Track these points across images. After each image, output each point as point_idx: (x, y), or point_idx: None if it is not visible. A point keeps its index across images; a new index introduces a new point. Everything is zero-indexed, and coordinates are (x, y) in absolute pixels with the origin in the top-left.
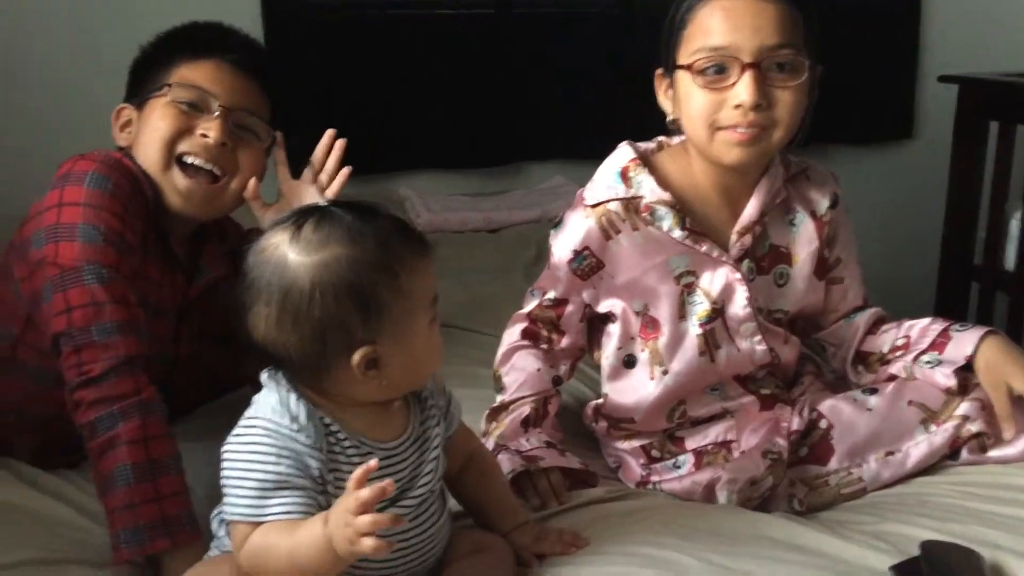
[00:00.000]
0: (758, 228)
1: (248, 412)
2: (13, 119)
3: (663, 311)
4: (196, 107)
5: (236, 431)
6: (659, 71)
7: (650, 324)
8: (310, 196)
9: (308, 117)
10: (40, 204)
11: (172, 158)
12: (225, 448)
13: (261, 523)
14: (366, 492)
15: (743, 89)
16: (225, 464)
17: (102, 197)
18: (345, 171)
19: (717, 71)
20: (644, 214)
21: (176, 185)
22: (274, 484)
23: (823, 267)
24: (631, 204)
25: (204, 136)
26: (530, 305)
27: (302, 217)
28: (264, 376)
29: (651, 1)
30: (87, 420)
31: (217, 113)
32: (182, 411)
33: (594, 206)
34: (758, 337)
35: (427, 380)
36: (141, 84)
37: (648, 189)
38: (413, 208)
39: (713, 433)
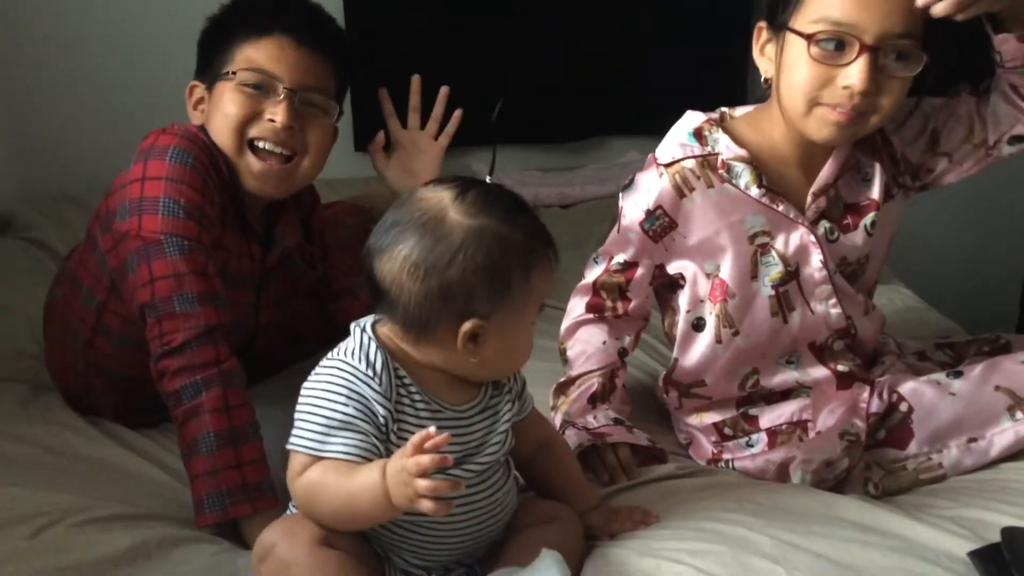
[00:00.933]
0: (832, 191)
1: (330, 353)
2: (100, 90)
3: (734, 272)
4: (262, 89)
5: (315, 370)
6: (762, 24)
7: (719, 286)
8: (425, 143)
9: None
10: (124, 176)
11: (244, 143)
12: (304, 385)
13: (320, 458)
14: (427, 459)
15: (856, 72)
16: (300, 399)
17: (183, 171)
18: (457, 113)
19: (836, 47)
20: (721, 171)
21: (251, 168)
22: (339, 423)
23: (893, 194)
24: (707, 161)
25: (272, 120)
26: (595, 273)
27: (468, 184)
28: (352, 325)
29: None
30: (172, 389)
31: (282, 96)
32: (264, 375)
33: (668, 165)
34: (833, 300)
35: (509, 374)
36: (209, 60)
37: (724, 146)
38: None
39: (788, 411)
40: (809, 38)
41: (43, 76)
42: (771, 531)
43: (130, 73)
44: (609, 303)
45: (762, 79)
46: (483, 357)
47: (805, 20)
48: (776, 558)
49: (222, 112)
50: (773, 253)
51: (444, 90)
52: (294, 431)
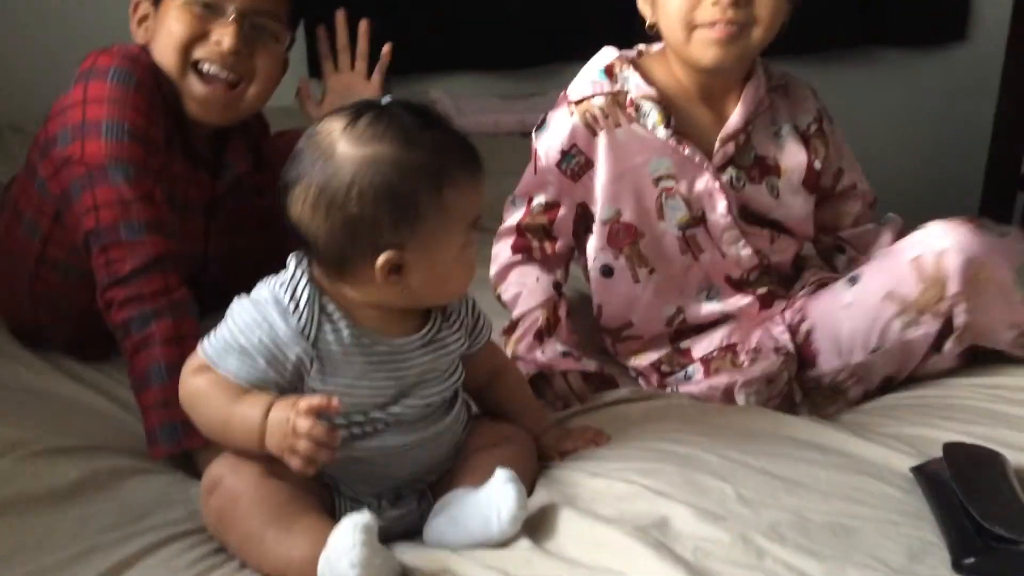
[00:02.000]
0: (742, 136)
1: (266, 278)
2: (40, 14)
3: (640, 214)
4: (212, 9)
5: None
6: None
7: (623, 231)
8: (358, 85)
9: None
10: (64, 100)
11: (188, 64)
12: (236, 297)
13: (212, 371)
14: (319, 429)
15: None
16: (229, 308)
17: (126, 92)
18: (386, 49)
19: None
20: (629, 109)
21: (193, 92)
22: (239, 347)
23: (812, 180)
24: (616, 99)
25: (218, 43)
26: (515, 216)
27: (362, 110)
28: (291, 255)
29: None
30: (120, 320)
31: (232, 17)
32: (216, 306)
33: (578, 102)
34: (742, 242)
35: (451, 299)
36: None
37: (634, 84)
38: (445, 111)
39: (717, 338)
40: None
41: None
42: (719, 450)
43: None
44: (536, 243)
45: (647, 25)
46: (410, 287)
47: None
48: (724, 476)
49: (167, 30)
50: (678, 197)
51: (364, 24)
52: (210, 333)
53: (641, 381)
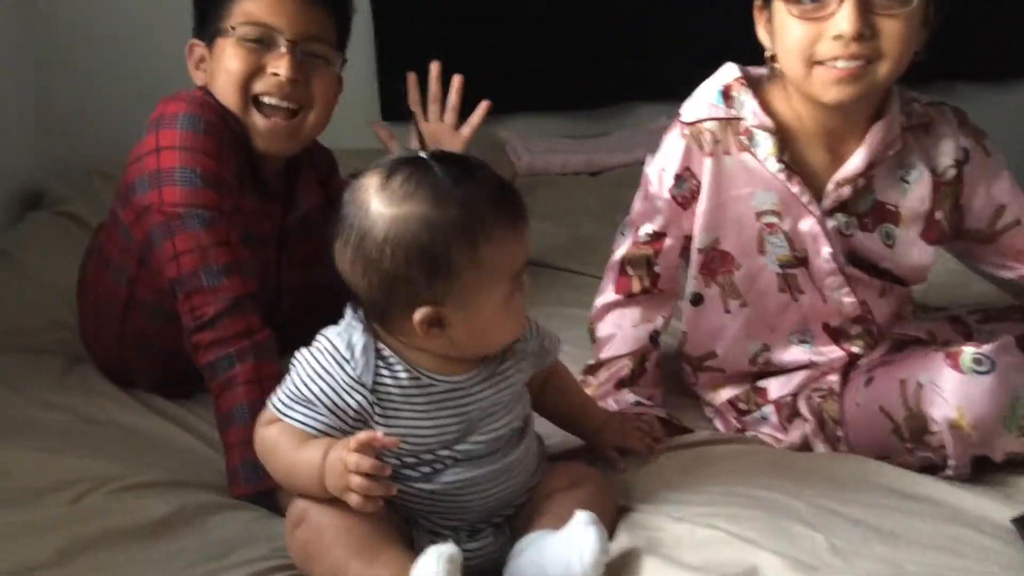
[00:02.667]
0: (861, 181)
1: (325, 329)
2: (132, 64)
3: (738, 245)
4: (263, 43)
5: (312, 342)
6: (757, 2)
7: (718, 259)
8: (446, 137)
9: (407, 56)
10: (139, 148)
11: (248, 100)
12: (298, 350)
13: (281, 420)
14: (367, 463)
15: (843, 18)
16: (291, 361)
17: (195, 138)
18: (484, 105)
19: None
20: (742, 137)
21: (257, 126)
22: (303, 398)
23: (933, 233)
24: (730, 125)
25: (275, 74)
26: (622, 248)
27: (396, 166)
28: (349, 303)
29: None
30: (206, 362)
31: (284, 48)
32: (292, 341)
33: (691, 124)
34: (845, 290)
35: (498, 348)
36: (206, 17)
37: (750, 111)
38: (514, 151)
39: (795, 382)
40: None
41: (76, 50)
42: (807, 497)
43: (157, 45)
44: (637, 280)
45: (766, 55)
46: (453, 339)
47: None
48: (814, 524)
49: (224, 69)
50: (780, 234)
51: (457, 80)
52: (278, 387)
53: (717, 422)
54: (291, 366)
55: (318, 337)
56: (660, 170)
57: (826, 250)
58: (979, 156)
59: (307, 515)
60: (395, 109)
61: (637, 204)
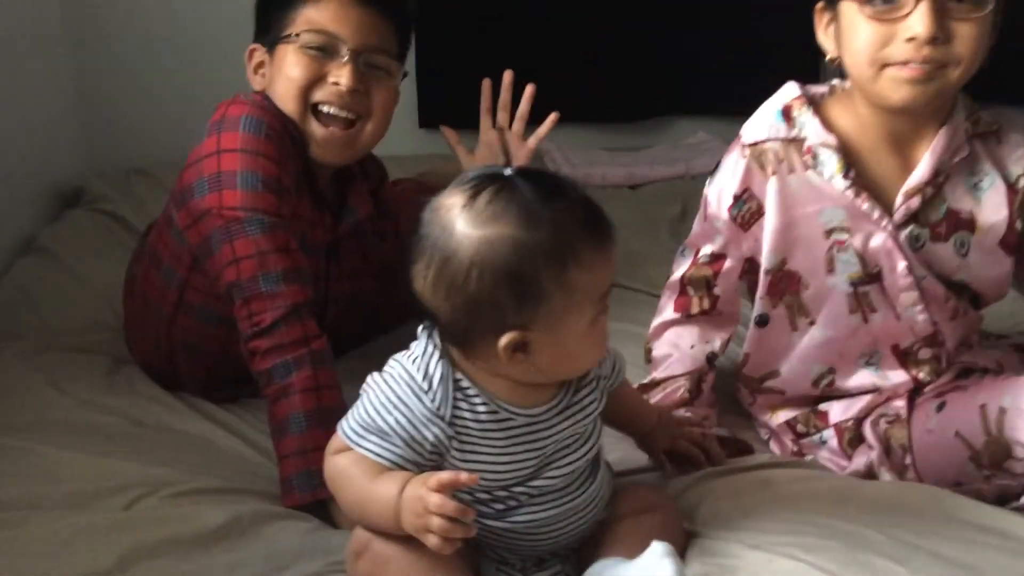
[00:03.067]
0: (930, 190)
1: (398, 354)
2: (170, 63)
3: (807, 264)
4: (325, 51)
5: (385, 366)
6: (819, 4)
7: (785, 279)
8: (515, 145)
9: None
10: (199, 150)
11: (307, 107)
12: (371, 374)
13: (352, 449)
14: (451, 506)
15: (918, 20)
16: (363, 385)
17: (257, 142)
18: (552, 117)
19: (886, 0)
20: (806, 156)
21: (314, 134)
22: (377, 428)
23: (1012, 240)
24: (792, 145)
25: (336, 84)
26: (682, 267)
27: (481, 184)
28: (420, 328)
29: None
30: (263, 368)
31: (346, 58)
32: (338, 350)
33: (752, 145)
34: (920, 307)
35: (581, 372)
36: (268, 23)
37: (812, 130)
38: (553, 162)
39: (857, 407)
40: None
41: (117, 50)
42: (884, 528)
43: (200, 46)
44: (696, 300)
45: (828, 59)
46: (537, 364)
47: None
48: (898, 558)
49: (285, 76)
50: (851, 251)
51: (530, 88)
52: (348, 412)
53: (773, 444)
54: (362, 392)
55: (391, 363)
56: (719, 191)
57: (902, 264)
58: None
59: (370, 545)
60: (433, 117)
61: (696, 226)
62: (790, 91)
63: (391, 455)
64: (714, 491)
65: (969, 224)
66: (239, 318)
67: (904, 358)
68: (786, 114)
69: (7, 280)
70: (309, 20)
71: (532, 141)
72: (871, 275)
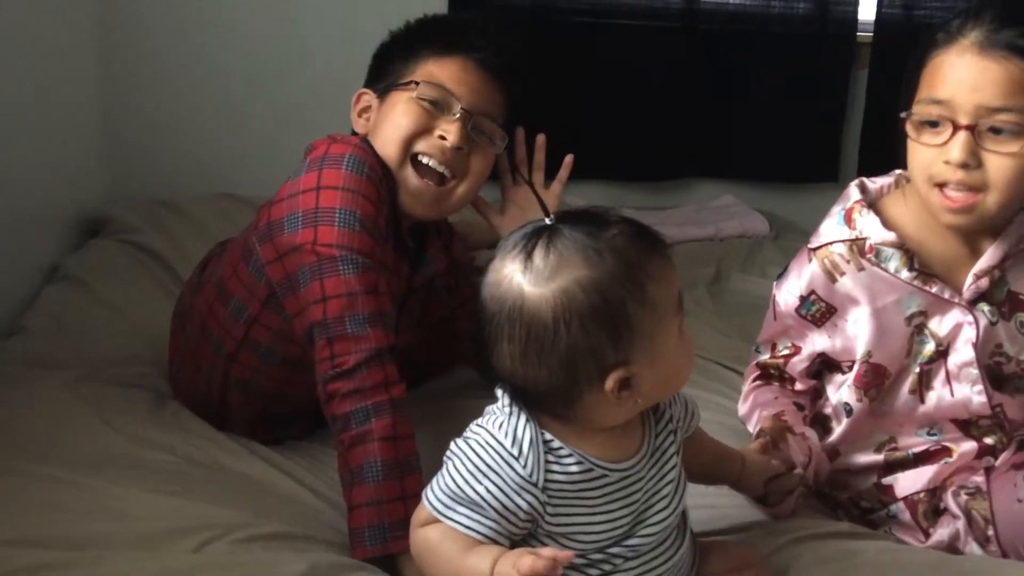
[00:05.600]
0: (997, 272)
1: (479, 420)
2: (198, 97)
3: (888, 352)
4: (438, 106)
5: (466, 432)
6: (903, 114)
7: (872, 371)
8: (533, 197)
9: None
10: (295, 185)
11: (408, 156)
12: (453, 441)
13: (441, 522)
14: (541, 563)
15: (952, 146)
16: (448, 450)
17: (359, 181)
18: (568, 161)
19: (932, 125)
20: (869, 255)
21: (407, 183)
22: (468, 499)
23: None
24: (855, 245)
25: (442, 138)
26: (760, 358)
27: (530, 241)
28: (499, 389)
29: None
30: (341, 412)
31: (458, 116)
32: None
33: (816, 249)
34: (978, 387)
35: (679, 389)
36: (385, 71)
37: (872, 230)
38: None
39: (925, 478)
40: (909, 120)
41: (141, 81)
42: None
43: (228, 82)
44: (776, 374)
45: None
46: (643, 394)
47: (916, 101)
48: None
49: (393, 122)
50: (927, 332)
51: (541, 139)
52: (432, 482)
53: (841, 515)
54: (446, 460)
55: (474, 429)
56: (786, 294)
57: (970, 333)
58: None
59: None
60: None
61: (766, 324)
62: (851, 195)
63: (483, 528)
64: (801, 556)
65: None
66: (319, 359)
67: (965, 426)
68: (847, 218)
69: (38, 307)
70: (429, 74)
71: (556, 187)
72: (940, 352)
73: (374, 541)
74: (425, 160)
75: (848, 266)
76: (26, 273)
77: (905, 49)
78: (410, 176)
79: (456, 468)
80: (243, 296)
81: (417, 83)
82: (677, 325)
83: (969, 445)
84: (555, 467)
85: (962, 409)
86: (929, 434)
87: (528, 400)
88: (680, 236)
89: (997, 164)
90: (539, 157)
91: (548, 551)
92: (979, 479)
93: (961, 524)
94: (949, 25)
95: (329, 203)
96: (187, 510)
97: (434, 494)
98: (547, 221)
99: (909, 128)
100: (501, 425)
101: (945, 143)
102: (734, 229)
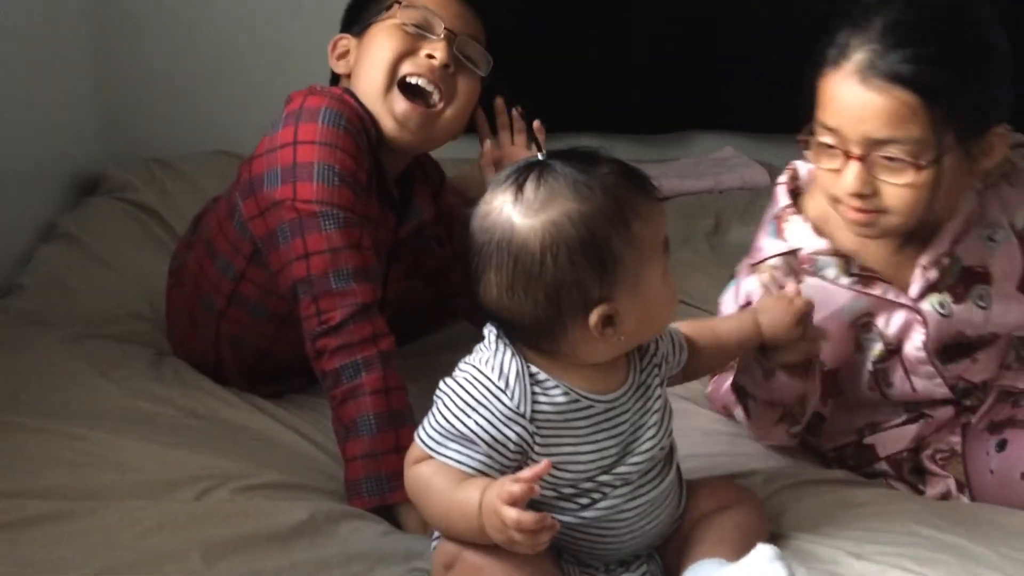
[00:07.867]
0: (947, 259)
1: (467, 357)
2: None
3: (838, 356)
4: (421, 28)
5: (455, 370)
6: (800, 137)
7: (826, 379)
8: (520, 154)
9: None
10: (272, 140)
11: (394, 80)
12: (441, 380)
13: (433, 458)
14: (517, 487)
15: (846, 177)
16: (436, 391)
17: (336, 135)
18: (537, 125)
19: (829, 146)
20: (805, 265)
21: (393, 109)
22: (457, 434)
23: None
24: (792, 256)
25: (430, 57)
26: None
27: (522, 175)
28: (487, 328)
29: None
30: (331, 368)
31: (442, 35)
32: None
33: (756, 264)
34: (937, 380)
35: (662, 329)
36: (361, 14)
37: (804, 239)
38: None
39: (907, 437)
40: (807, 142)
41: (134, 38)
42: (992, 545)
43: (221, 38)
44: None
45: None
46: (626, 332)
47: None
48: (1011, 573)
49: (377, 47)
50: (874, 331)
51: (518, 110)
52: (423, 420)
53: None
54: (436, 398)
55: (461, 367)
56: (736, 304)
57: (919, 336)
58: None
59: (461, 556)
60: None
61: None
62: (779, 200)
63: (473, 462)
64: (798, 499)
65: (984, 276)
66: (305, 316)
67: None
68: (779, 229)
69: (35, 266)
70: (409, 2)
71: (535, 148)
72: (891, 351)
73: (371, 493)
74: (413, 80)
75: (788, 279)
76: (21, 232)
77: None
78: (396, 101)
79: (445, 405)
80: (229, 252)
81: (399, 2)
82: (662, 267)
83: (947, 409)
84: (542, 398)
85: (927, 397)
86: (906, 410)
87: (514, 334)
88: (679, 188)
89: (893, 193)
90: (518, 123)
91: (526, 473)
92: (955, 439)
93: (952, 481)
94: (836, 37)
95: (307, 158)
96: (187, 460)
97: (425, 431)
98: (539, 157)
99: (809, 152)
100: (487, 360)
101: (840, 170)
102: (734, 181)
